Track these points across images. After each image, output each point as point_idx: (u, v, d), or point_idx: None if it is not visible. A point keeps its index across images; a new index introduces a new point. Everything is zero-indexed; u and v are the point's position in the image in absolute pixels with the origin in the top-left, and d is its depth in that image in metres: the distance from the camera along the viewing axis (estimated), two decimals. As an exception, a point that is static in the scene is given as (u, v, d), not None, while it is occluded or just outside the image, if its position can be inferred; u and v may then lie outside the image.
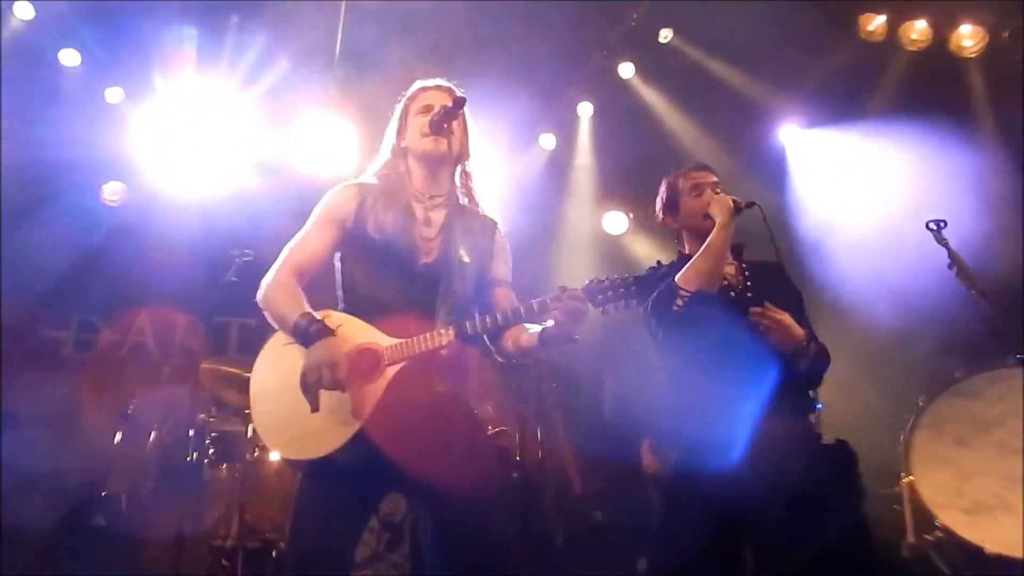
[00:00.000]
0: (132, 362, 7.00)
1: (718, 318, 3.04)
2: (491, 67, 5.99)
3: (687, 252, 3.35)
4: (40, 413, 6.16)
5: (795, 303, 3.25)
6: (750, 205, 3.18)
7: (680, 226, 3.38)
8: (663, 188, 3.45)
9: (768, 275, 3.31)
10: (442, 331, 2.59)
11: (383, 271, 2.72)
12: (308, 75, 6.23)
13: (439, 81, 2.98)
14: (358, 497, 2.67)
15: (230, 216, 6.37)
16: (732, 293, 3.19)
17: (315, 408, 2.55)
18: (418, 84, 2.98)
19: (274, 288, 2.71)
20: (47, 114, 6.02)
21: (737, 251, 3.36)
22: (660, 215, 3.45)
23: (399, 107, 2.98)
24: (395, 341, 2.60)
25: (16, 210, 6.09)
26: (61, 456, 6.22)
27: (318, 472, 2.62)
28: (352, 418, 2.55)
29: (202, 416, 5.70)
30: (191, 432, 5.58)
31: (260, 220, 6.22)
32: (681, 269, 3.11)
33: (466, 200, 2.92)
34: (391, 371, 2.58)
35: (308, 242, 2.79)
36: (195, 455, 5.59)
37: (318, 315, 2.65)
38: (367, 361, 2.59)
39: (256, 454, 5.73)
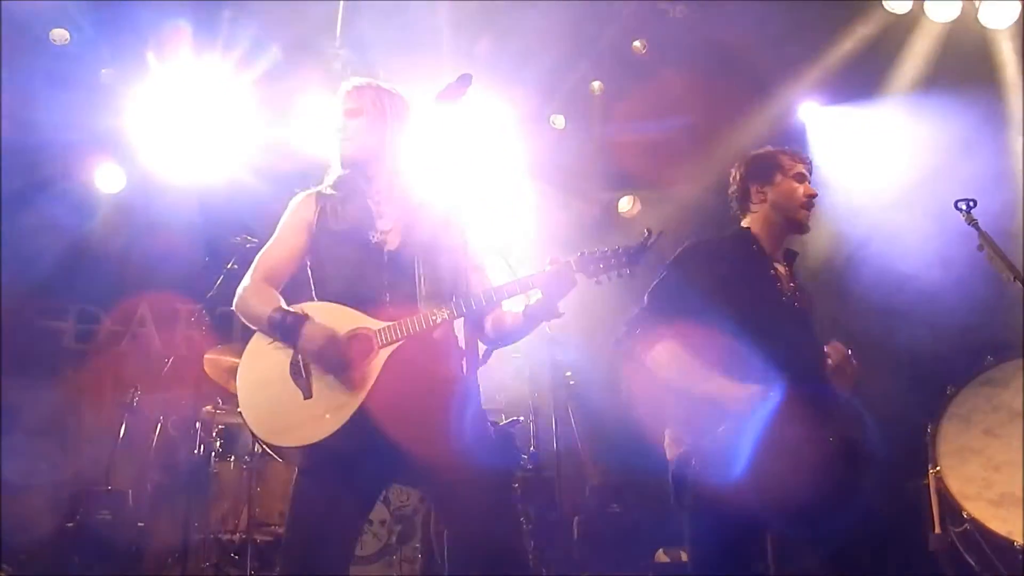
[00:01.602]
0: (134, 353, 6.88)
1: (743, 330, 2.88)
2: (498, 44, 5.84)
3: (748, 227, 3.16)
4: (41, 406, 6.08)
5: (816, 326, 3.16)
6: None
7: (765, 199, 3.13)
8: (760, 154, 3.22)
9: (807, 293, 3.19)
10: (435, 310, 2.59)
11: (354, 264, 2.76)
12: (309, 53, 6.06)
13: (354, 82, 2.98)
14: (357, 488, 2.65)
15: (230, 199, 6.24)
16: (783, 297, 3.06)
17: (308, 395, 2.58)
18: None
19: (247, 292, 2.78)
20: (38, 94, 5.86)
21: (790, 257, 3.21)
22: (740, 179, 3.20)
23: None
24: (386, 324, 2.62)
25: (8, 195, 5.96)
26: (64, 450, 6.16)
27: (315, 463, 2.62)
28: (348, 400, 2.55)
29: (207, 408, 5.61)
30: (197, 425, 5.47)
31: (261, 203, 6.06)
32: (722, 250, 3.01)
33: (418, 192, 2.93)
34: (384, 352, 2.59)
35: (277, 248, 2.88)
36: (201, 448, 5.51)
37: (293, 308, 2.69)
38: (360, 344, 2.60)
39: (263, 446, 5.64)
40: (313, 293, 2.85)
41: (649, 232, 2.53)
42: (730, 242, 3.13)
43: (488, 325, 2.77)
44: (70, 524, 5.38)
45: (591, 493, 5.92)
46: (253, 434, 2.70)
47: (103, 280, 6.62)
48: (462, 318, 2.61)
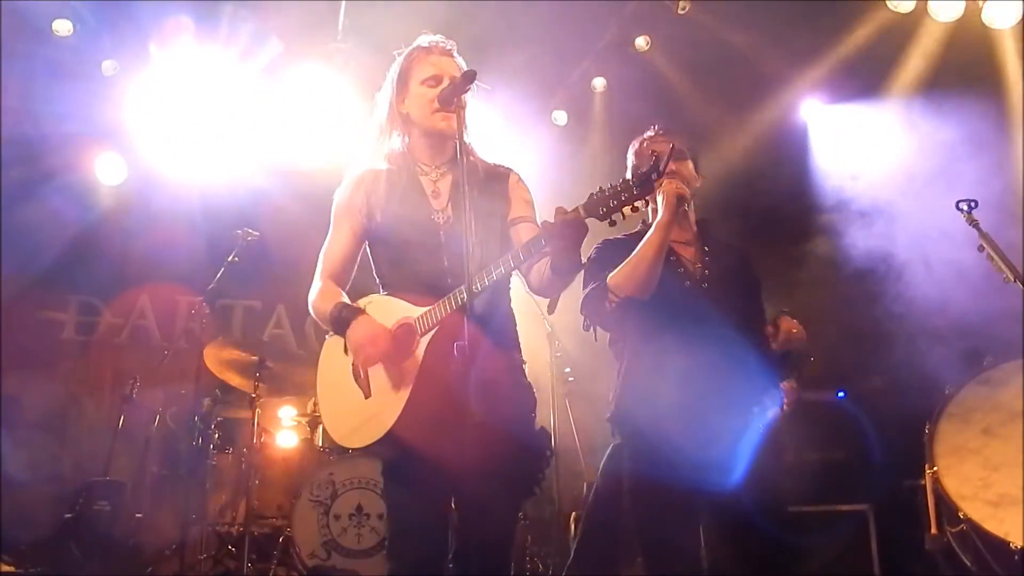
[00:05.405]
0: (134, 345, 6.92)
1: (650, 322, 2.96)
2: (501, 40, 5.80)
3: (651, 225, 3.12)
4: (41, 398, 6.10)
5: (754, 293, 3.15)
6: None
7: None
8: (630, 155, 3.25)
9: (731, 260, 3.17)
10: (459, 291, 2.51)
11: (408, 251, 2.71)
12: (311, 47, 6.05)
13: (439, 40, 2.84)
14: (433, 485, 2.58)
15: (231, 193, 6.25)
16: (687, 282, 3.05)
17: (368, 394, 2.58)
18: (418, 43, 2.85)
19: (315, 296, 2.77)
20: (40, 86, 5.88)
21: (702, 229, 3.19)
22: None
23: (396, 69, 2.85)
24: (425, 309, 2.58)
25: (10, 187, 5.96)
26: (63, 442, 6.17)
27: (390, 461, 2.64)
28: (397, 397, 2.55)
29: (207, 401, 5.63)
30: (195, 417, 5.50)
31: (261, 197, 6.09)
32: (632, 245, 3.00)
33: (470, 157, 2.78)
34: (425, 340, 2.56)
35: (334, 246, 2.83)
36: (200, 440, 5.52)
37: (360, 301, 2.69)
38: (405, 336, 2.59)
39: (262, 439, 5.65)
40: (376, 278, 2.81)
41: (656, 155, 2.31)
42: (629, 239, 3.13)
43: (533, 278, 2.69)
44: (70, 515, 5.40)
45: (588, 490, 5.89)
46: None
47: (103, 272, 6.65)
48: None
